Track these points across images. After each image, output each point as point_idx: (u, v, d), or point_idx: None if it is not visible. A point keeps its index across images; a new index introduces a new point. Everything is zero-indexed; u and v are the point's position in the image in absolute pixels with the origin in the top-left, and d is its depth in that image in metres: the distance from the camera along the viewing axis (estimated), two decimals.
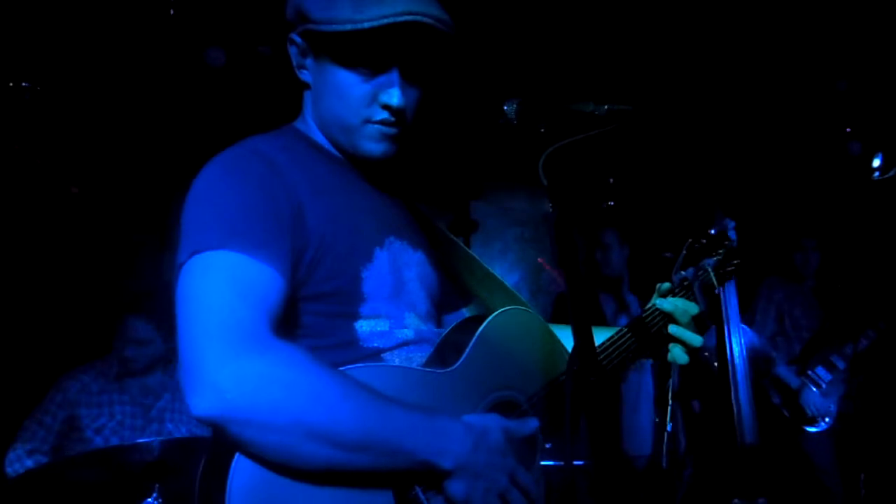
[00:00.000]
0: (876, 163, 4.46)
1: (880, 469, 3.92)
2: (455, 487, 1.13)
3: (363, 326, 1.26)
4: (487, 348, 1.34)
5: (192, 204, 1.18)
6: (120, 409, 2.76)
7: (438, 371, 1.27)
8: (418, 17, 1.21)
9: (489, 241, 4.86)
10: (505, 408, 1.33)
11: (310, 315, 1.22)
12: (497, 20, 3.22)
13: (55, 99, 3.64)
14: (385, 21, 1.19)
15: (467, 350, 1.31)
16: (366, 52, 1.26)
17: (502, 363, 1.36)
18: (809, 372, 3.95)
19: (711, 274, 1.73)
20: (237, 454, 1.03)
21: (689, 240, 1.92)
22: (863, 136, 4.45)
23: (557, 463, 1.28)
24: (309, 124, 1.39)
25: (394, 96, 1.28)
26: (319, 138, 1.38)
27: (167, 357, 2.85)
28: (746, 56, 3.99)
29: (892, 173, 4.41)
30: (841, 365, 3.93)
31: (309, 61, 1.33)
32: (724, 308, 2.87)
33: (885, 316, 3.96)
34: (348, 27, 1.20)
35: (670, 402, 2.79)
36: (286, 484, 1.03)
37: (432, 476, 1.12)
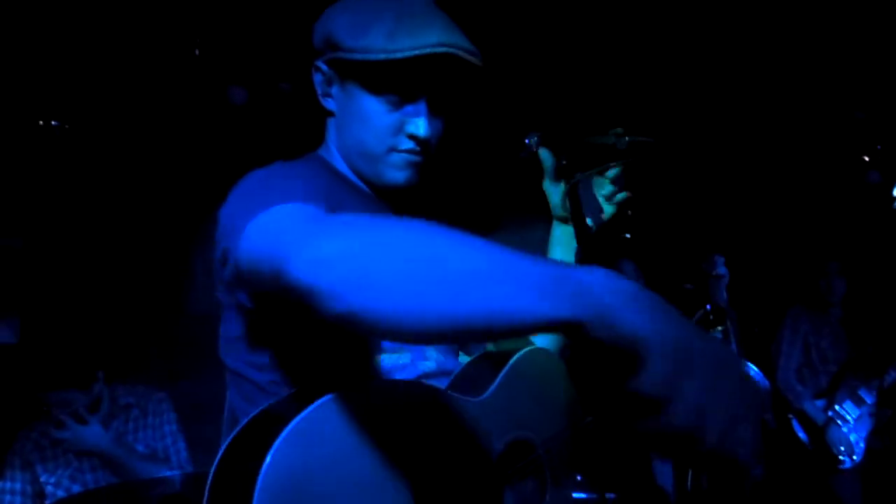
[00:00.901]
0: None
1: None
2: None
3: (385, 361, 1.26)
4: (513, 384, 1.33)
5: (233, 204, 1.16)
6: (74, 455, 2.72)
7: (467, 398, 1.26)
8: (451, 50, 1.22)
9: None
10: (520, 448, 1.33)
11: (331, 349, 1.21)
12: (515, 53, 3.27)
13: (83, 137, 3.72)
14: (419, 52, 1.20)
15: (496, 382, 1.30)
16: (395, 81, 1.26)
17: (524, 402, 1.35)
18: (836, 407, 3.86)
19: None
20: (270, 456, 0.97)
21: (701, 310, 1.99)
22: (882, 165, 4.43)
23: (590, 496, 1.26)
24: (332, 153, 1.39)
25: (420, 127, 1.28)
26: (342, 167, 1.38)
27: (99, 398, 2.77)
28: (767, 85, 4.00)
29: None
30: (869, 399, 3.85)
31: (335, 89, 1.33)
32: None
33: None
34: (382, 57, 1.20)
35: None
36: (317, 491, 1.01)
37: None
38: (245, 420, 1.07)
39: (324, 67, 1.32)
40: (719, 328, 2.52)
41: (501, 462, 1.27)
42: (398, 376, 1.27)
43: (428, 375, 1.31)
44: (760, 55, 3.79)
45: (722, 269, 3.51)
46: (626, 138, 1.18)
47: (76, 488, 2.65)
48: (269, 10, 3.23)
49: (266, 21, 3.30)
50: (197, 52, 3.17)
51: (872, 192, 4.40)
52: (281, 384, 1.24)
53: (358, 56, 1.23)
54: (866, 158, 4.44)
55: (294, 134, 3.21)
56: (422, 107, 1.29)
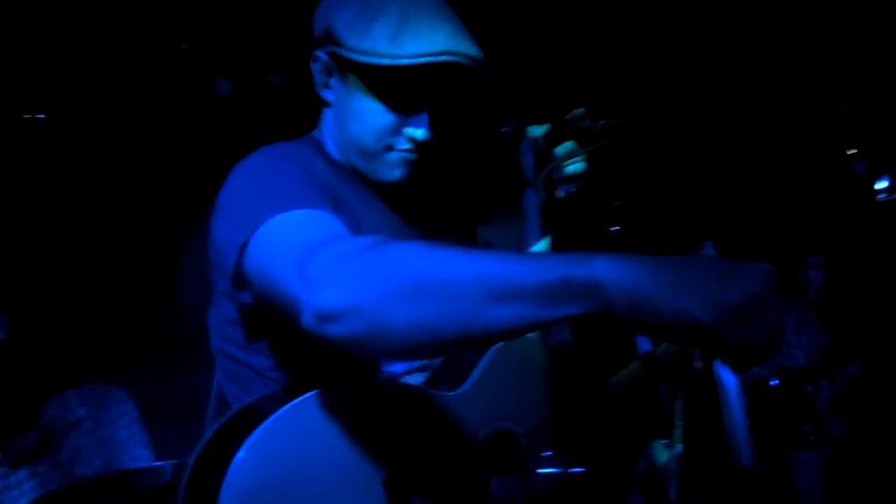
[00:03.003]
0: (882, 185, 4.48)
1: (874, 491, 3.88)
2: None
3: None
4: (493, 375, 1.33)
5: (236, 189, 1.17)
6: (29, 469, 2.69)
7: (445, 393, 1.26)
8: (457, 59, 1.20)
9: None
10: (502, 439, 1.34)
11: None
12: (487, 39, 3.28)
13: (70, 130, 3.72)
14: (424, 60, 1.18)
15: (474, 374, 1.31)
16: (397, 84, 1.24)
17: (505, 392, 1.36)
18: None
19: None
20: (243, 451, 1.00)
21: None
22: (868, 159, 4.47)
23: (555, 470, 1.28)
24: (327, 141, 1.38)
25: (420, 131, 1.27)
26: (337, 156, 1.37)
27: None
28: (757, 78, 4.04)
29: None
30: (827, 390, 3.93)
31: (334, 81, 1.31)
32: None
33: (870, 347, 3.95)
34: (386, 62, 1.18)
35: (680, 422, 2.76)
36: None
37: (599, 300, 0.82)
38: (232, 411, 1.09)
39: (324, 58, 1.29)
40: None
41: (482, 455, 1.28)
42: (393, 368, 1.28)
43: (415, 370, 1.32)
44: (748, 45, 3.82)
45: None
46: (602, 121, 1.20)
47: None
48: (258, 2, 3.24)
49: (255, 13, 3.31)
50: (185, 45, 3.17)
51: (858, 183, 4.45)
52: (278, 369, 1.24)
53: (359, 57, 1.20)
54: (853, 152, 4.48)
55: (282, 126, 3.22)
56: (423, 111, 1.27)
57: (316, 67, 1.32)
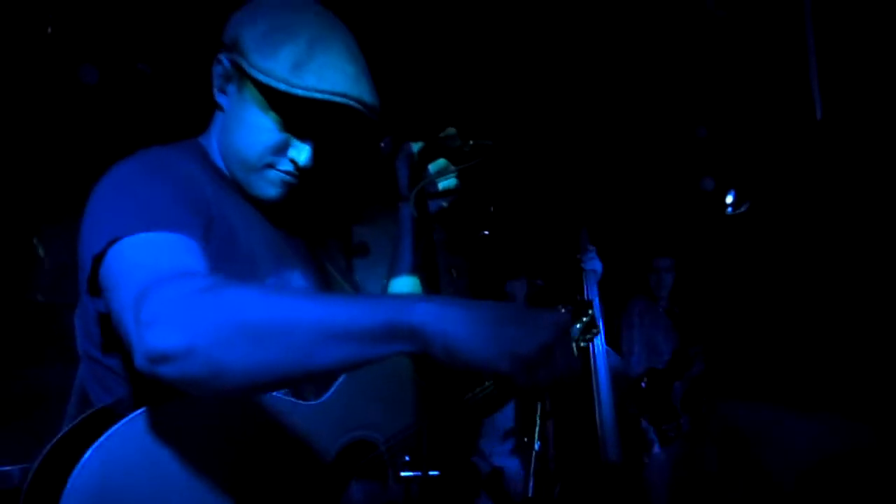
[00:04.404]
0: (729, 199, 4.85)
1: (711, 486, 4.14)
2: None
3: None
4: (354, 385, 1.37)
5: (103, 196, 1.15)
6: None
7: (301, 402, 1.28)
8: (351, 103, 1.25)
9: (373, 265, 4.86)
10: (361, 447, 1.37)
11: None
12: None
13: None
14: (319, 96, 1.22)
15: (336, 384, 1.34)
16: (291, 109, 1.26)
17: (367, 402, 1.40)
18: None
19: (573, 343, 1.86)
20: (88, 458, 0.98)
21: (559, 304, 2.10)
22: (717, 175, 4.83)
23: (415, 474, 1.35)
24: (213, 146, 1.39)
25: (303, 155, 1.30)
26: (220, 163, 1.38)
27: None
28: (622, 100, 4.27)
29: (743, 209, 4.80)
30: (679, 390, 4.18)
31: (231, 88, 1.32)
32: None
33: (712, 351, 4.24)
34: (282, 87, 1.21)
35: (538, 421, 2.89)
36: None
37: (421, 340, 0.91)
38: (87, 413, 1.08)
39: (226, 63, 1.30)
40: (584, 319, 2.67)
41: (338, 464, 1.31)
42: None
43: None
44: (615, 69, 4.03)
45: (593, 265, 3.58)
46: (471, 141, 1.27)
47: None
48: None
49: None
50: (49, 29, 2.99)
51: (706, 197, 4.79)
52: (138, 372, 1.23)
53: (258, 75, 1.23)
54: (705, 172, 4.82)
55: (151, 117, 3.11)
56: (310, 139, 1.31)
57: (217, 70, 1.33)
